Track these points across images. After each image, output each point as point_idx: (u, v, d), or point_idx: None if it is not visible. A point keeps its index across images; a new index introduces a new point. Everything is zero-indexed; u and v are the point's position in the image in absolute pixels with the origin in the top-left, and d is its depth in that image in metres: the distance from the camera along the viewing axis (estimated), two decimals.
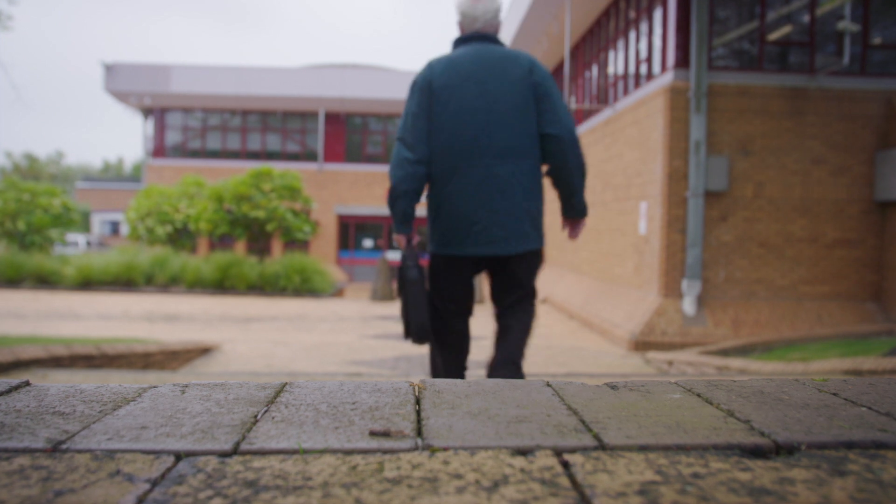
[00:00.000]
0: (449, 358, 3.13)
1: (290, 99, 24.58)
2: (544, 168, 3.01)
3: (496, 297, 3.12)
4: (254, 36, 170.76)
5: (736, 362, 5.99)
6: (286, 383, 1.52)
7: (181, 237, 18.33)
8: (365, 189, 25.30)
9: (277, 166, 19.22)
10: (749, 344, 7.52)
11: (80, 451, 1.06)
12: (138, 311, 11.37)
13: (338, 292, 17.17)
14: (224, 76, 24.19)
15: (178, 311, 11.60)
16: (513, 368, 3.04)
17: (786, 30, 9.21)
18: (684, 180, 8.70)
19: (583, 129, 13.53)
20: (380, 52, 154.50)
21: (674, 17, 8.95)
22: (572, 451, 1.08)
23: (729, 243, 8.80)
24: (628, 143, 10.33)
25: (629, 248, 10.13)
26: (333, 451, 1.07)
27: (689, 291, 8.62)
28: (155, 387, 1.48)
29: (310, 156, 25.74)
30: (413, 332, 3.01)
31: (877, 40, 9.24)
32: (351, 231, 25.88)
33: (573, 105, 13.69)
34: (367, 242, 26.06)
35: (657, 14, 9.82)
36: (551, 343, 8.81)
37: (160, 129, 25.88)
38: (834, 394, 1.44)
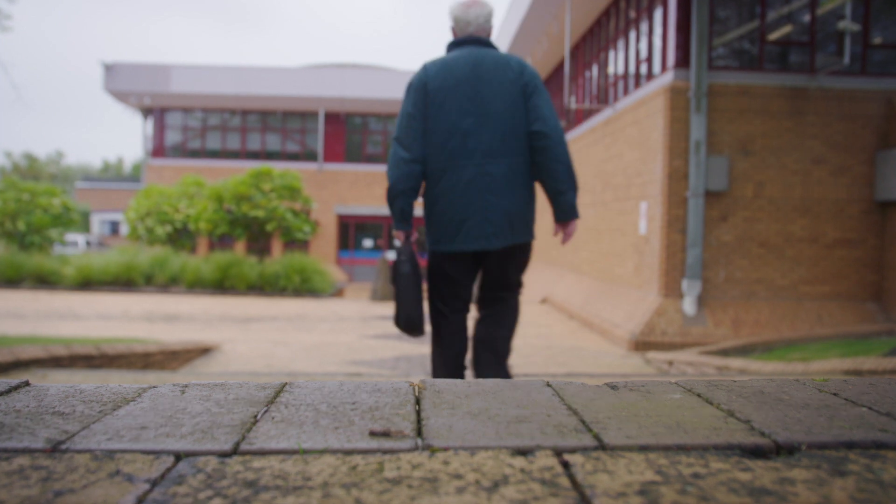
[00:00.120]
0: (446, 354, 3.17)
1: (289, 99, 24.58)
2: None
3: (484, 289, 3.23)
4: (254, 36, 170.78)
5: (736, 362, 5.99)
6: (286, 383, 1.52)
7: (181, 237, 18.33)
8: (365, 189, 25.30)
9: (277, 166, 19.21)
10: (749, 344, 7.52)
11: (79, 452, 1.06)
12: (138, 311, 11.37)
13: (338, 292, 17.17)
14: (224, 76, 24.19)
15: (178, 311, 11.60)
16: (500, 369, 3.16)
17: (786, 29, 9.21)
18: (684, 180, 8.70)
19: (583, 129, 13.54)
20: (380, 52, 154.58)
21: (674, 16, 8.95)
22: (572, 451, 1.08)
23: (729, 243, 8.80)
24: (628, 143, 10.33)
25: (629, 248, 10.13)
26: (333, 452, 1.07)
27: (690, 291, 8.62)
28: (155, 387, 1.48)
29: (310, 156, 25.74)
30: (401, 322, 3.13)
31: (877, 40, 9.24)
32: (351, 231, 25.88)
33: (573, 105, 13.69)
34: (367, 242, 26.06)
35: (657, 14, 9.81)
36: (551, 343, 8.81)
37: (160, 128, 25.88)
38: (834, 394, 1.44)
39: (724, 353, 7.34)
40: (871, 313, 8.79)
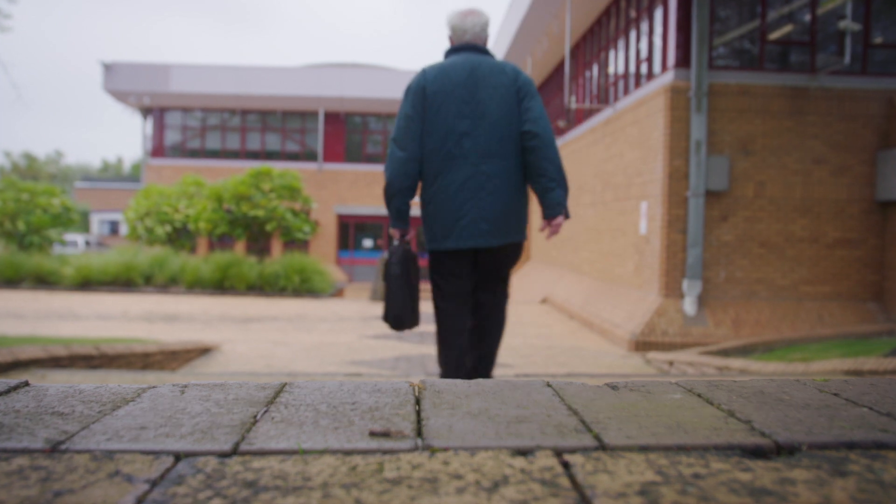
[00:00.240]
0: (449, 353, 3.24)
1: (289, 98, 24.58)
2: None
3: (478, 283, 3.35)
4: (254, 36, 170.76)
5: (737, 362, 5.99)
6: (286, 383, 1.52)
7: (180, 237, 18.32)
8: (365, 189, 25.30)
9: (277, 166, 19.21)
10: (750, 344, 7.52)
11: (79, 452, 1.05)
12: (137, 312, 11.37)
13: (337, 292, 17.17)
14: (223, 76, 24.19)
15: (178, 312, 11.60)
16: (487, 373, 3.37)
17: (787, 29, 9.21)
18: (685, 180, 8.69)
19: (583, 129, 13.53)
20: (379, 52, 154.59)
21: (674, 16, 8.95)
22: (573, 451, 1.07)
23: (730, 243, 8.79)
24: (629, 143, 10.33)
25: (629, 247, 10.13)
26: (333, 452, 1.06)
27: (690, 291, 8.62)
28: (154, 387, 1.48)
29: (309, 155, 25.74)
30: (389, 319, 3.30)
31: (878, 39, 9.23)
32: (351, 231, 25.88)
33: (573, 105, 13.69)
34: (367, 242, 26.06)
35: (658, 13, 9.81)
36: (551, 343, 8.81)
37: (159, 128, 25.88)
38: (835, 394, 1.44)
39: (725, 353, 7.34)
40: (872, 313, 8.79)
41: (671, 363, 6.89)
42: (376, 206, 24.99)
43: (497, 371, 6.31)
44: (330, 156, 25.73)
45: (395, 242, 3.29)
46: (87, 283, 15.06)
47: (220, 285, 15.10)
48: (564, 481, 0.95)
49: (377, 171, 25.16)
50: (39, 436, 1.12)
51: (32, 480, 0.94)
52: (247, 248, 20.87)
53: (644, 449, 1.09)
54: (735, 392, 1.45)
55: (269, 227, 16.57)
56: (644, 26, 10.44)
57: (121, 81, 24.16)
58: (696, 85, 8.52)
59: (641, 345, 8.40)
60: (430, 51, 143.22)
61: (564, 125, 14.53)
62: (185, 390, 1.44)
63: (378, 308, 13.17)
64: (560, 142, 15.77)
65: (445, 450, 1.08)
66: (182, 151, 25.92)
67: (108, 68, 24.14)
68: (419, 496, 0.90)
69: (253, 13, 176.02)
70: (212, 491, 0.91)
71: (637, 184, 9.86)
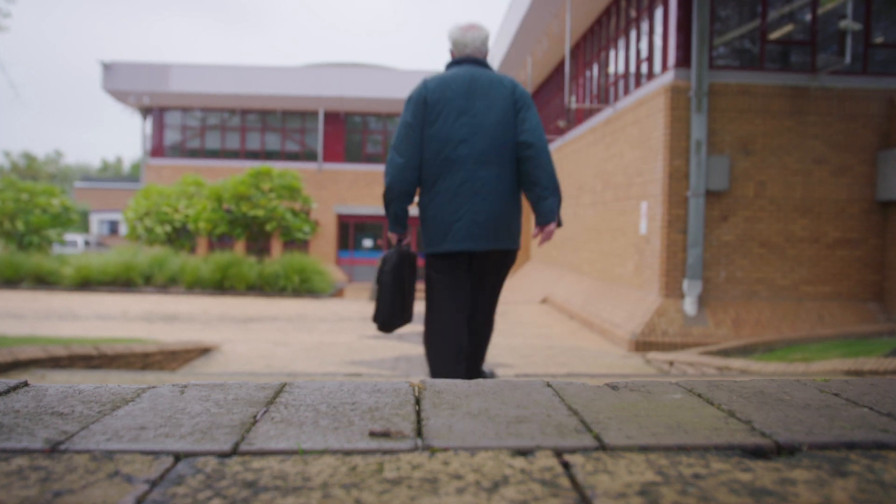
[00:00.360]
0: (440, 356, 3.34)
1: (289, 98, 24.57)
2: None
3: (470, 287, 3.47)
4: (254, 36, 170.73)
5: (737, 362, 5.99)
6: (285, 384, 1.52)
7: (180, 237, 18.32)
8: (364, 189, 25.29)
9: (277, 166, 19.21)
10: (750, 344, 7.52)
11: (78, 452, 1.05)
12: (137, 312, 11.36)
13: (337, 292, 17.16)
14: (223, 75, 24.18)
15: (177, 312, 11.60)
16: (475, 374, 3.52)
17: (787, 29, 9.21)
18: (685, 180, 8.69)
19: (583, 129, 13.53)
20: (379, 52, 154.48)
21: (675, 16, 8.95)
22: (573, 451, 1.07)
23: (730, 243, 8.79)
24: (629, 143, 10.33)
25: (630, 247, 10.13)
26: (333, 452, 1.06)
27: (690, 291, 8.62)
28: (154, 387, 1.48)
29: (309, 155, 25.74)
30: (378, 322, 3.43)
31: (878, 39, 9.23)
32: (350, 231, 25.88)
33: (573, 104, 13.69)
34: (367, 242, 26.06)
35: (658, 13, 9.81)
36: (552, 343, 8.81)
37: (159, 128, 25.88)
38: (835, 394, 1.44)
39: (725, 353, 7.34)
40: (873, 313, 8.79)
41: (671, 363, 6.89)
42: (376, 206, 24.97)
43: (497, 371, 6.31)
44: (330, 156, 25.73)
45: (392, 247, 3.40)
46: (86, 283, 15.06)
47: (220, 285, 15.10)
48: (564, 481, 0.95)
49: (377, 170, 25.15)
50: (39, 436, 1.12)
51: (32, 481, 0.94)
52: (246, 248, 20.87)
53: (644, 449, 1.09)
54: (735, 392, 1.45)
55: (268, 227, 16.57)
56: (644, 26, 10.44)
57: (120, 81, 24.15)
58: (696, 85, 8.52)
59: (642, 345, 8.39)
60: (429, 50, 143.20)
61: (564, 125, 14.52)
62: (185, 390, 1.44)
63: None
64: (560, 142, 15.77)
65: (445, 450, 1.07)
66: (182, 151, 25.92)
67: (108, 68, 24.13)
68: (419, 496, 0.90)
69: (253, 13, 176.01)
70: (211, 491, 0.91)
71: (637, 184, 9.86)
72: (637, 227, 9.81)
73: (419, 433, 1.15)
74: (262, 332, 9.42)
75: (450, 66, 3.40)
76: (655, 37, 9.87)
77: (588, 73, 14.01)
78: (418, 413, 1.28)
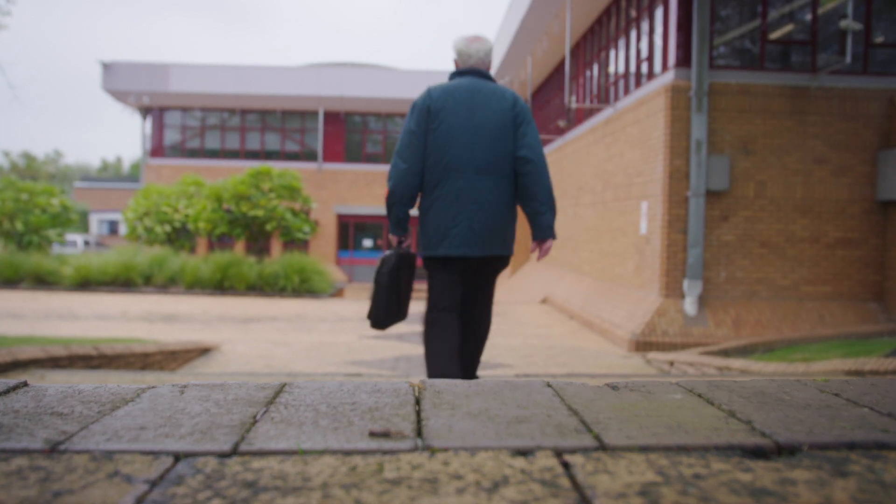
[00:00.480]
0: (437, 350, 3.43)
1: (289, 98, 24.57)
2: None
3: (466, 290, 3.61)
4: (254, 36, 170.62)
5: (737, 363, 5.99)
6: (285, 384, 1.51)
7: (180, 237, 18.32)
8: (364, 188, 25.29)
9: (276, 166, 19.21)
10: (750, 344, 7.52)
11: (78, 452, 1.05)
12: (137, 312, 11.36)
13: (337, 292, 17.16)
14: (223, 75, 24.18)
15: (177, 312, 11.60)
16: (471, 374, 3.61)
17: (787, 28, 9.20)
18: (685, 180, 8.69)
19: (583, 129, 13.53)
20: (379, 52, 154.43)
21: (675, 15, 8.95)
22: (573, 451, 1.07)
23: (730, 243, 8.79)
24: (629, 143, 10.33)
25: (630, 247, 10.13)
26: (333, 452, 1.06)
27: (691, 291, 8.62)
28: (154, 387, 1.48)
29: (309, 155, 25.74)
30: (371, 320, 3.53)
31: (879, 39, 9.23)
32: (350, 231, 25.88)
33: (574, 104, 13.69)
34: (367, 242, 26.06)
35: (658, 13, 9.81)
36: (552, 343, 8.81)
37: (159, 128, 25.87)
38: (836, 394, 1.44)
39: (726, 353, 7.34)
40: (873, 313, 8.79)
41: (672, 363, 6.89)
42: (376, 206, 24.98)
43: (497, 371, 6.31)
44: (330, 155, 25.73)
45: (391, 248, 3.53)
46: (86, 283, 15.06)
47: (220, 285, 15.10)
48: (565, 481, 0.95)
49: (377, 170, 25.16)
50: (39, 436, 1.12)
51: (32, 481, 0.94)
52: (246, 248, 20.87)
53: (644, 449, 1.08)
54: (736, 392, 1.45)
55: (268, 227, 16.57)
56: (644, 26, 10.44)
57: (120, 81, 24.15)
58: (696, 84, 8.52)
59: (642, 345, 8.39)
60: (429, 50, 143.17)
61: (564, 125, 14.53)
62: (185, 390, 1.43)
63: None
64: (560, 141, 15.77)
65: (445, 450, 1.07)
66: (181, 151, 25.92)
67: (108, 68, 24.13)
68: (419, 496, 0.90)
69: (253, 13, 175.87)
70: (211, 491, 0.91)
71: (637, 183, 9.86)
72: (637, 226, 9.81)
73: (419, 433, 1.15)
74: (261, 332, 9.42)
75: (454, 76, 3.53)
76: (656, 36, 9.87)
77: (588, 73, 14.00)
78: (418, 413, 1.28)
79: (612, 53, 12.21)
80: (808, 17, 9.04)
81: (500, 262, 3.50)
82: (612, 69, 12.30)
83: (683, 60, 8.76)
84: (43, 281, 15.26)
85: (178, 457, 1.04)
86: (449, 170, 3.32)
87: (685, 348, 8.23)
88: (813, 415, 1.27)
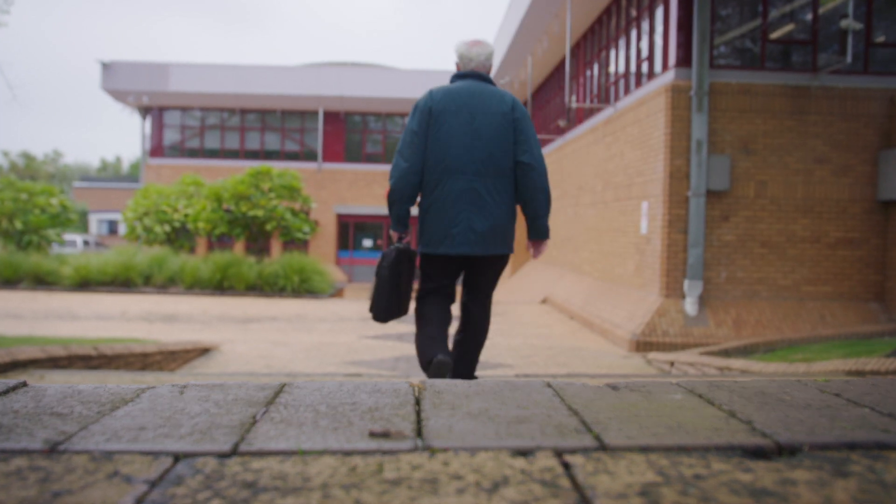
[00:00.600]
0: (427, 332, 3.54)
1: (288, 98, 24.56)
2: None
3: (463, 290, 3.76)
4: (254, 36, 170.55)
5: (738, 363, 5.99)
6: (285, 384, 1.51)
7: (179, 237, 18.31)
8: (364, 188, 25.28)
9: (276, 165, 19.20)
10: (751, 344, 7.52)
11: (77, 452, 1.05)
12: (136, 312, 11.36)
13: (337, 292, 17.16)
14: (222, 75, 24.17)
15: (177, 312, 11.60)
16: (470, 373, 3.69)
17: (788, 28, 9.20)
18: (686, 180, 8.69)
19: (583, 129, 13.53)
20: (379, 51, 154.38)
21: (675, 15, 8.95)
22: (573, 451, 1.07)
23: (731, 243, 8.79)
24: (629, 143, 10.33)
25: (630, 247, 10.13)
26: (333, 452, 1.06)
27: (691, 291, 8.61)
28: (153, 387, 1.47)
29: (309, 155, 25.73)
30: (372, 312, 3.61)
31: (880, 38, 9.23)
32: (350, 231, 25.87)
33: (574, 104, 13.69)
34: (367, 242, 26.05)
35: (658, 12, 9.81)
36: (552, 343, 8.81)
37: (158, 128, 25.87)
38: (836, 394, 1.44)
39: (726, 353, 7.34)
40: (874, 313, 8.79)
41: (672, 363, 6.89)
42: (376, 206, 24.97)
43: (497, 371, 6.31)
44: (329, 155, 25.72)
45: (393, 245, 3.60)
46: (85, 283, 15.05)
47: (220, 285, 15.09)
48: (565, 482, 0.95)
49: (377, 170, 25.16)
50: (38, 436, 1.12)
51: (31, 481, 0.94)
52: (246, 248, 20.86)
53: (645, 449, 1.08)
54: (736, 392, 1.45)
55: (268, 227, 16.56)
56: (645, 25, 10.44)
57: (119, 81, 24.14)
58: (697, 84, 8.52)
59: (642, 345, 8.39)
60: (429, 50, 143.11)
61: (565, 124, 14.52)
62: (185, 391, 1.43)
63: None
64: (560, 141, 15.77)
65: (445, 450, 1.07)
66: (181, 151, 25.91)
67: (107, 67, 24.12)
68: (419, 497, 0.90)
69: (253, 13, 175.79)
70: (211, 491, 0.91)
71: (638, 183, 9.86)
72: (638, 226, 9.81)
73: (419, 433, 1.15)
74: (261, 332, 9.42)
75: (455, 78, 3.62)
76: (656, 36, 9.87)
77: (588, 73, 14.00)
78: (418, 413, 1.28)
79: (613, 53, 12.21)
80: (809, 16, 9.03)
81: (500, 259, 3.58)
82: (612, 69, 12.30)
83: (684, 60, 8.76)
84: (42, 281, 15.26)
85: (177, 457, 1.04)
86: (449, 171, 3.41)
87: (685, 348, 8.23)
88: (813, 415, 1.27)
